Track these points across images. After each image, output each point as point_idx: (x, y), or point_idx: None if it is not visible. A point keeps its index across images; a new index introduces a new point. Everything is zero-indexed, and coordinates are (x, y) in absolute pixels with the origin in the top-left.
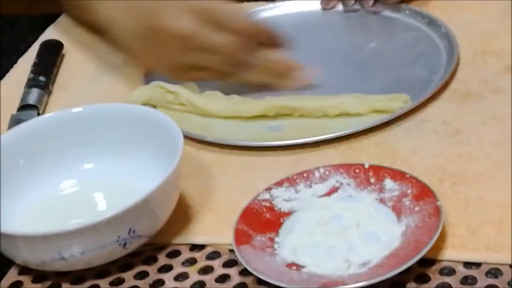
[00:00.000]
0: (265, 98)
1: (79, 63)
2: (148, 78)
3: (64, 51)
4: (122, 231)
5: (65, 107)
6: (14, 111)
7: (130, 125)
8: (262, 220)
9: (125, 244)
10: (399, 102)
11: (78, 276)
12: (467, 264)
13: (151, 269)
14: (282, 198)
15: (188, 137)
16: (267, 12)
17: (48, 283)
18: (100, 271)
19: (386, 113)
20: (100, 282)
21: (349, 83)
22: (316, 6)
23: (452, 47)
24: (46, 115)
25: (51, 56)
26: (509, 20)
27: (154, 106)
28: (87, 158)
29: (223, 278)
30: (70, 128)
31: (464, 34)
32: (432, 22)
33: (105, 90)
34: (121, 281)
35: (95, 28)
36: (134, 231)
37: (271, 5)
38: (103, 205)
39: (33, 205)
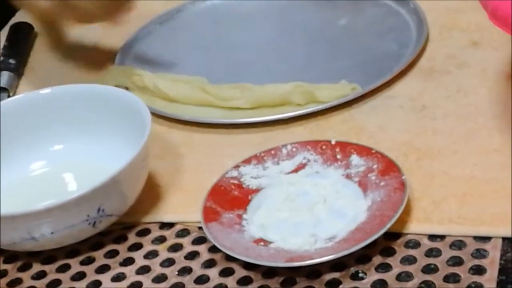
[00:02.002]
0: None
1: (49, 45)
2: (118, 62)
3: (35, 34)
4: (91, 210)
5: (36, 89)
6: None
7: (98, 106)
8: (230, 198)
9: (94, 223)
10: (343, 91)
11: (49, 255)
12: (432, 237)
13: (121, 248)
14: (250, 176)
15: (157, 117)
16: None
17: (19, 263)
18: (71, 251)
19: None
20: (71, 261)
21: (318, 59)
22: None
23: (421, 22)
24: (14, 97)
25: (21, 39)
26: None
27: (126, 88)
28: (57, 139)
29: (192, 255)
30: (39, 109)
31: (431, 9)
32: None
33: (76, 72)
34: (91, 260)
35: None
36: (103, 210)
37: None
38: (73, 186)
39: (2, 186)
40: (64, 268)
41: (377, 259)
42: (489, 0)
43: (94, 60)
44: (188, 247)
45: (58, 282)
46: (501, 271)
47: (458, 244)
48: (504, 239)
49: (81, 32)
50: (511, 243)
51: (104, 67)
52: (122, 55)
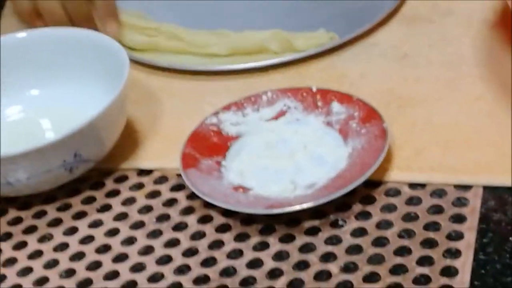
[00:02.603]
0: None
1: None
2: None
3: None
4: (67, 156)
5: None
6: None
7: (76, 50)
8: (209, 144)
9: (71, 169)
10: (320, 40)
11: (25, 201)
12: (412, 185)
13: (99, 194)
14: (229, 122)
15: (136, 63)
16: None
17: None
18: (47, 197)
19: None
20: (47, 207)
21: (299, 7)
22: None
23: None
24: None
25: None
26: None
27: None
28: (33, 84)
29: (171, 202)
30: (14, 53)
31: None
32: None
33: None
34: (68, 206)
35: None
36: (80, 156)
37: None
38: (50, 132)
39: None
40: (40, 214)
41: (357, 207)
42: None
43: None
44: (166, 194)
45: (34, 228)
46: (481, 219)
47: (439, 192)
48: (485, 187)
49: None
50: (492, 191)
51: None
52: None
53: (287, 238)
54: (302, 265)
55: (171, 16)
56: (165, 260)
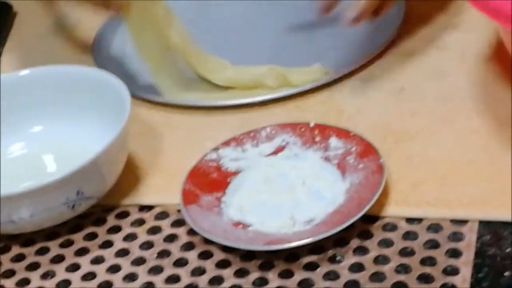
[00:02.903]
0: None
1: (29, 25)
2: (98, 41)
3: (14, 13)
4: (70, 193)
5: (16, 69)
6: None
7: (78, 87)
8: (209, 180)
9: (73, 206)
10: (315, 75)
11: (28, 238)
12: (409, 220)
13: (101, 230)
14: (229, 158)
15: (137, 98)
16: None
17: None
18: (50, 233)
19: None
20: (50, 244)
21: (295, 39)
22: None
23: (400, 3)
24: None
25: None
26: None
27: None
28: (36, 121)
29: (171, 238)
30: (17, 91)
31: None
32: None
33: (56, 52)
34: (70, 242)
35: None
36: (82, 193)
37: None
38: (52, 167)
39: None
40: (43, 251)
41: (355, 242)
42: None
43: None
44: (167, 230)
45: (37, 265)
46: (477, 254)
47: (435, 227)
48: (480, 222)
49: (61, 12)
50: (488, 226)
51: (85, 46)
52: (102, 34)
53: (286, 274)
54: None
55: None
56: None
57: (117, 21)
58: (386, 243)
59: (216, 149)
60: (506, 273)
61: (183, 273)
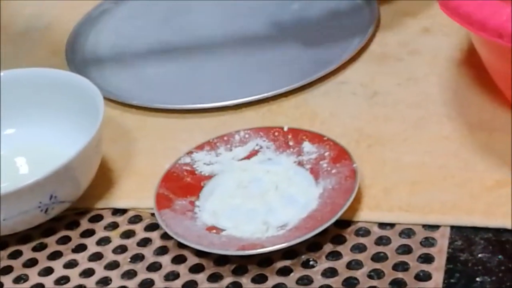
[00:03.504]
0: None
1: (2, 26)
2: (71, 44)
3: None
4: (43, 197)
5: None
6: None
7: (50, 90)
8: (183, 184)
9: (46, 210)
10: None
11: (0, 242)
12: (382, 225)
13: (74, 234)
14: (203, 162)
15: (110, 100)
16: None
17: None
18: (23, 237)
19: None
20: (23, 247)
21: (269, 43)
22: None
23: (373, 8)
24: None
25: None
26: None
27: None
28: (8, 124)
29: (145, 242)
30: None
31: None
32: None
33: (28, 54)
34: (43, 246)
35: None
36: (55, 197)
37: None
38: (25, 170)
39: None
40: (16, 255)
41: (328, 247)
42: None
43: (45, 41)
44: (141, 234)
45: (9, 268)
46: (448, 259)
47: (407, 232)
48: (452, 227)
49: (34, 13)
50: (459, 231)
51: (55, 48)
52: (75, 36)
53: (260, 279)
54: None
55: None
56: None
57: (90, 23)
58: (359, 248)
59: (190, 153)
60: (478, 279)
61: (157, 277)
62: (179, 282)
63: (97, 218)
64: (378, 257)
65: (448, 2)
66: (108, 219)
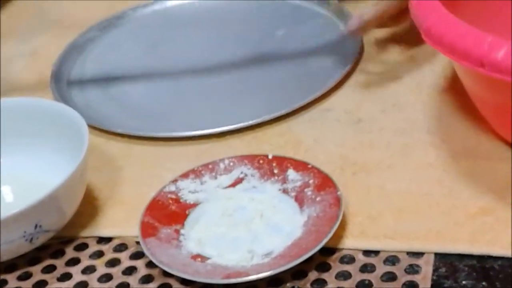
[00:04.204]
0: None
1: None
2: (56, 72)
3: None
4: (28, 227)
5: None
6: None
7: (35, 119)
8: (168, 212)
9: (31, 239)
10: None
11: None
12: (367, 252)
13: (59, 263)
14: (188, 190)
15: (95, 128)
16: None
17: None
18: (8, 266)
19: None
20: (8, 276)
21: (253, 70)
22: None
23: (357, 36)
24: None
25: None
26: None
27: None
28: None
29: (130, 270)
30: None
31: None
32: (340, 11)
33: (13, 82)
34: (28, 275)
35: None
36: (40, 226)
37: None
38: (10, 198)
39: None
40: (1, 284)
41: (313, 275)
42: (422, 19)
43: (31, 68)
44: (126, 262)
45: None
46: (433, 286)
47: (392, 259)
48: (436, 254)
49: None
50: (444, 258)
51: (41, 75)
52: (60, 64)
53: None
54: None
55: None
56: None
57: (76, 50)
58: (344, 275)
59: (174, 181)
60: None
61: None
62: None
63: (82, 246)
64: (363, 285)
65: (431, 32)
66: (93, 247)
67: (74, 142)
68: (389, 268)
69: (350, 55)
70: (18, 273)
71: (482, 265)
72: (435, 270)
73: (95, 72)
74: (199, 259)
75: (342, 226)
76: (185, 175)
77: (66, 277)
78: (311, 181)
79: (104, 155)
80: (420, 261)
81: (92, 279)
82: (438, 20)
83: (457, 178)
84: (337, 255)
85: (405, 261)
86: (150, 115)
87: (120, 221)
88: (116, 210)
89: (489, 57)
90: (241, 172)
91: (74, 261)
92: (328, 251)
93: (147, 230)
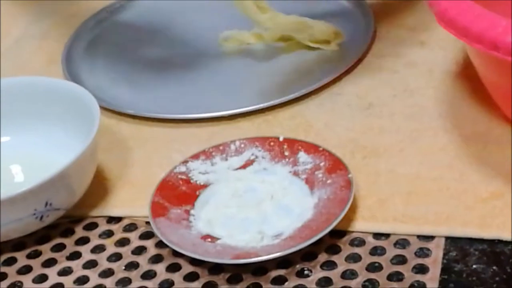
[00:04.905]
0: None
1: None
2: (67, 53)
3: None
4: (38, 204)
5: None
6: None
7: (46, 98)
8: (178, 193)
9: (41, 217)
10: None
11: None
12: (377, 235)
13: (68, 242)
14: (198, 171)
15: (106, 110)
16: None
17: None
18: (17, 244)
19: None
20: (17, 254)
21: (265, 54)
22: None
23: (369, 21)
24: None
25: None
26: None
27: None
28: (3, 131)
29: (140, 250)
30: None
31: (381, 8)
32: None
33: (24, 62)
34: (38, 253)
35: None
36: (51, 204)
37: None
38: (20, 177)
39: None
40: (10, 262)
41: (323, 257)
42: (436, 2)
43: (41, 49)
44: (136, 242)
45: (4, 275)
46: (443, 270)
47: (402, 242)
48: (447, 238)
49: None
50: (454, 242)
51: (52, 56)
52: (72, 45)
53: (254, 287)
54: None
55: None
56: None
57: (87, 32)
58: (354, 258)
59: (185, 162)
60: None
61: (151, 285)
62: None
63: (92, 226)
64: (373, 267)
65: (445, 15)
66: (103, 227)
67: (85, 122)
68: (399, 251)
69: (362, 40)
70: (27, 251)
71: (493, 250)
72: (446, 253)
73: (106, 53)
74: (209, 239)
75: (352, 209)
76: (195, 156)
77: (75, 256)
78: (322, 164)
79: (115, 136)
80: (430, 245)
81: (101, 258)
82: (452, 3)
83: (467, 163)
84: (347, 238)
85: (415, 244)
86: (161, 97)
87: (130, 201)
88: (126, 191)
89: (503, 40)
90: (252, 154)
91: (84, 240)
92: (338, 233)
93: (157, 210)
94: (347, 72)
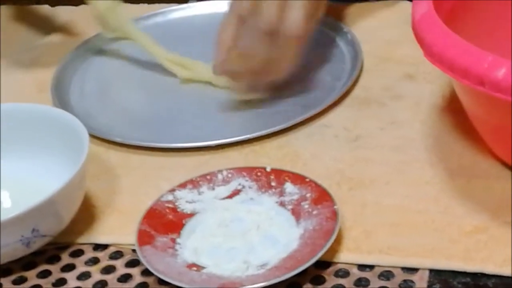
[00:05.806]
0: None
1: None
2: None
3: None
4: (25, 231)
5: None
6: None
7: (35, 125)
8: (164, 221)
9: (28, 243)
10: None
11: None
12: (361, 267)
13: (54, 268)
14: (185, 200)
15: (95, 137)
16: (180, 12)
17: None
18: (3, 270)
19: None
20: (3, 280)
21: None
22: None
23: (357, 53)
24: None
25: None
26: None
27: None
28: None
29: (125, 278)
30: None
31: (368, 40)
32: (339, 28)
33: (14, 89)
34: (23, 279)
35: None
36: (37, 231)
37: (184, 5)
38: (8, 203)
39: None
40: None
41: (307, 287)
42: (424, 36)
43: (31, 76)
44: (121, 270)
45: None
46: None
47: (387, 274)
48: (431, 270)
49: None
50: (438, 274)
51: (41, 83)
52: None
53: None
54: None
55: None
56: None
57: (77, 59)
58: None
59: (172, 190)
60: None
61: None
62: None
63: (78, 253)
64: None
65: (432, 49)
66: (89, 254)
67: (74, 149)
68: (383, 283)
69: (350, 72)
70: (13, 277)
71: (476, 283)
72: (429, 286)
73: (96, 81)
74: (195, 268)
75: (338, 240)
76: (182, 185)
77: (61, 283)
78: (308, 195)
79: (103, 164)
80: (414, 277)
81: (87, 285)
82: (439, 38)
83: (452, 196)
84: (332, 269)
85: (400, 276)
86: (149, 126)
87: (116, 228)
88: (113, 218)
89: (489, 75)
90: (239, 184)
91: (70, 267)
92: (323, 264)
93: (144, 238)
94: (335, 104)
